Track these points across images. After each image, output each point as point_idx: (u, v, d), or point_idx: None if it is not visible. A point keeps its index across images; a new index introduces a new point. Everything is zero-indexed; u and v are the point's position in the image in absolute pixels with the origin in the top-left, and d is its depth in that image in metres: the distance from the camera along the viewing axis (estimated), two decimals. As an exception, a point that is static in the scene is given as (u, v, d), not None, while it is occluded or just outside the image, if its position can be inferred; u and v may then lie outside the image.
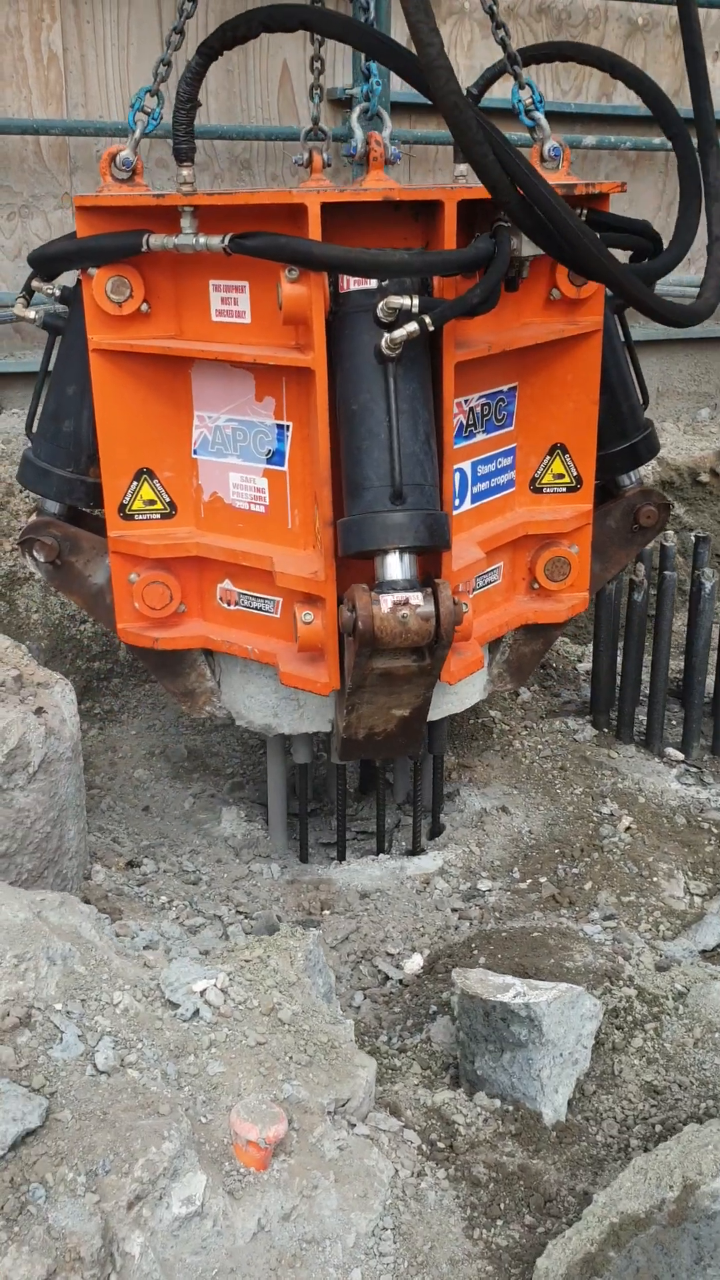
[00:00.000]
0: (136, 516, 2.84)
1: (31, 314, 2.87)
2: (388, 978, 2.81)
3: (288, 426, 2.69)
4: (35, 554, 2.93)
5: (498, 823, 3.40)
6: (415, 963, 2.83)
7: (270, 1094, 1.89)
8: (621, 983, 2.46)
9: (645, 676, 3.87)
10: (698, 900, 3.08)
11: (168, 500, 2.86)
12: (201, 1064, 1.91)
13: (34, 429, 3.01)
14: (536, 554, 3.04)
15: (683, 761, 3.70)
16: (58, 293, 2.85)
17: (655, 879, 3.12)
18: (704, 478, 5.65)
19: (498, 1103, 2.18)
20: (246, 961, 2.18)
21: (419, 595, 2.45)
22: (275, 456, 2.73)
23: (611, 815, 3.38)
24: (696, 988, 2.49)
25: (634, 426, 3.12)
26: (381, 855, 3.27)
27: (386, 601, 2.43)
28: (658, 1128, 2.18)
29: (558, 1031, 2.19)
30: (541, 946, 2.61)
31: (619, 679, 3.83)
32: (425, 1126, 2.08)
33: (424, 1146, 2.04)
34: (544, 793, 3.53)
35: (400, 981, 2.78)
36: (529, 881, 3.13)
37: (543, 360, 2.88)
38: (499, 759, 3.72)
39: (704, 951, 2.83)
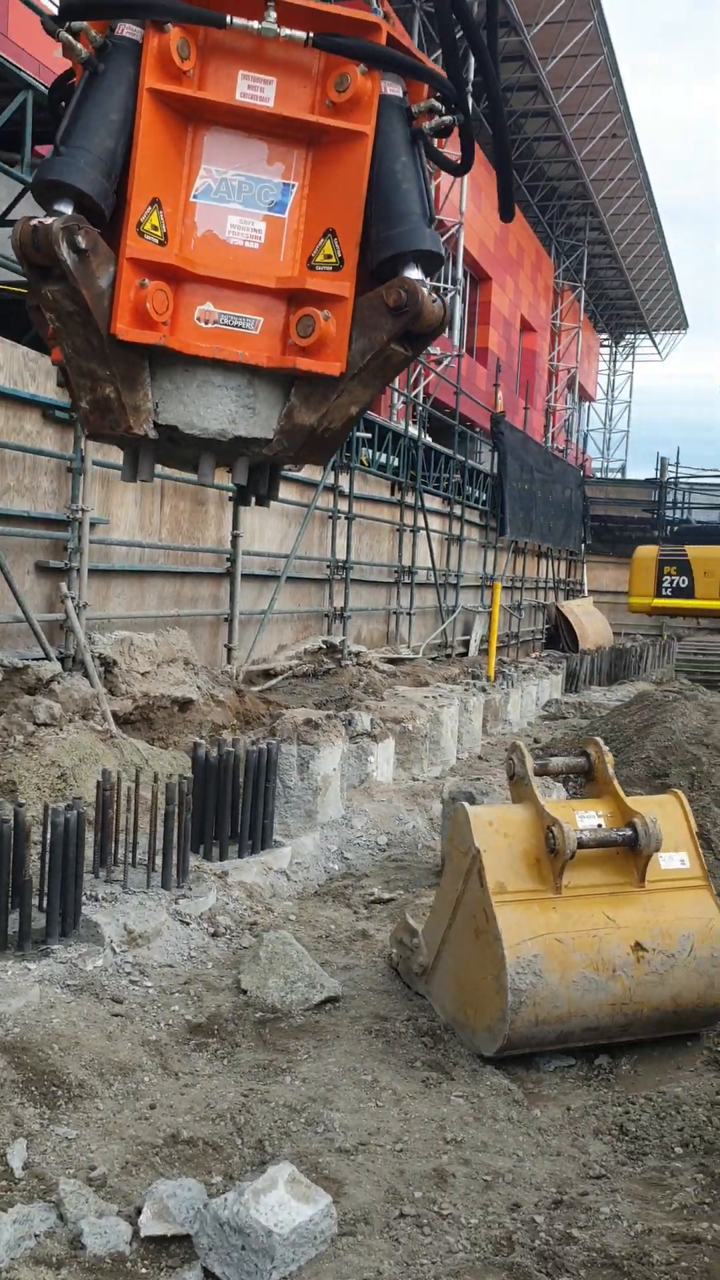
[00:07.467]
0: (146, 236, 3.29)
1: (80, 47, 3.15)
2: None
3: (292, 185, 3.37)
4: (79, 238, 3.13)
5: None
6: None
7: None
8: None
9: None
10: None
11: (163, 233, 3.33)
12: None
13: (70, 140, 3.19)
14: None
15: None
16: (99, 41, 3.15)
17: None
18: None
19: None
20: None
21: (433, 294, 3.29)
22: (277, 207, 3.38)
23: None
24: None
25: None
26: None
27: (426, 288, 3.21)
28: None
29: None
30: None
31: None
32: None
33: None
34: None
35: None
36: None
37: None
38: None
39: None
